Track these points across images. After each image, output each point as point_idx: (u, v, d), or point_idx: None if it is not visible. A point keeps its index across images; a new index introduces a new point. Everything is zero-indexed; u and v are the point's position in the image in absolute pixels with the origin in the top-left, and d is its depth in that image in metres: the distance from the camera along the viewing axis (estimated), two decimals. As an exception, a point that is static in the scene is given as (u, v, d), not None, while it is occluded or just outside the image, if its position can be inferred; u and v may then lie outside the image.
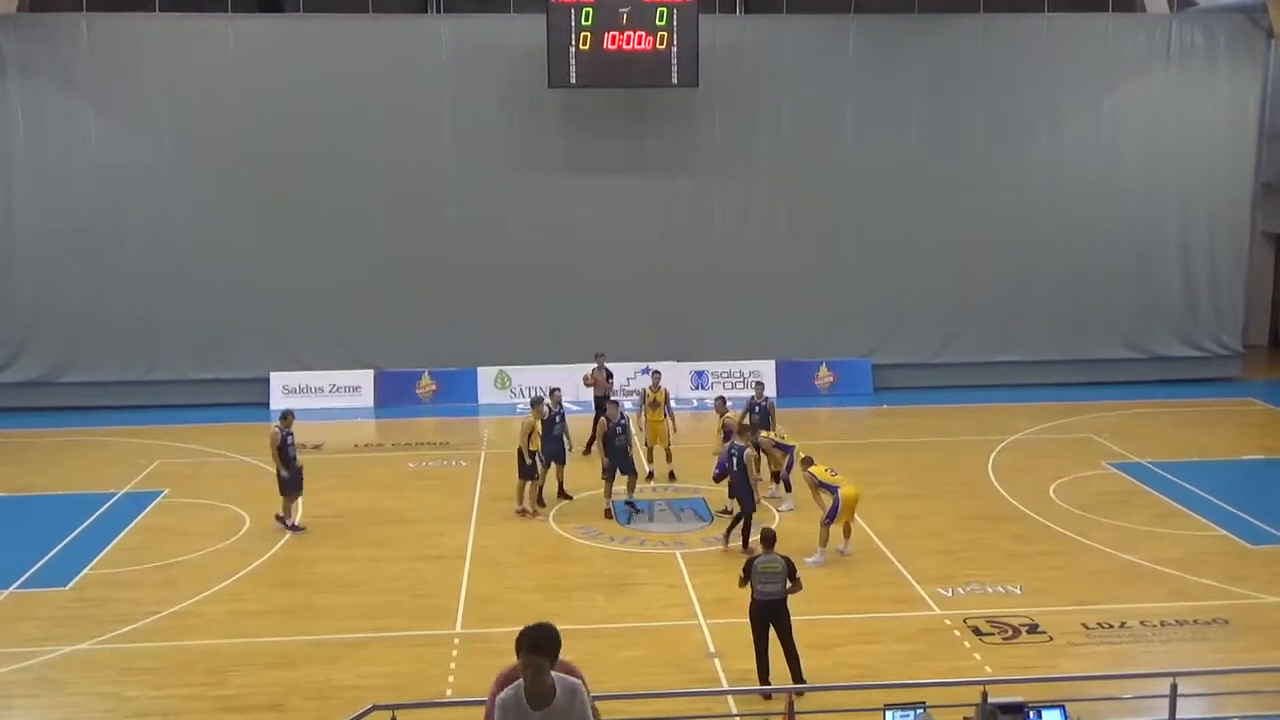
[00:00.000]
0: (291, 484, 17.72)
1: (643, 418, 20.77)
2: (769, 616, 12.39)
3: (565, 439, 18.95)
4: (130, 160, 25.34)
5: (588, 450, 20.56)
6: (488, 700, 7.16)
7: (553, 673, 7.02)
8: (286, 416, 17.96)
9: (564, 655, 6.51)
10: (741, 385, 26.52)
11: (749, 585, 12.48)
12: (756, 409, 19.98)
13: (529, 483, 18.18)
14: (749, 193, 26.75)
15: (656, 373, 21.70)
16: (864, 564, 16.21)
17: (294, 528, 17.66)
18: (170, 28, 25.45)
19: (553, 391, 19.30)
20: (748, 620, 12.39)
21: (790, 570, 12.44)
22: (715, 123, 26.38)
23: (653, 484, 19.91)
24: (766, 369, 26.70)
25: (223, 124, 25.36)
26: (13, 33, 25.00)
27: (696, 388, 26.59)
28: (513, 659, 6.88)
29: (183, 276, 25.60)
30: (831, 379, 26.98)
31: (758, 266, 26.68)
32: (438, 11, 26.95)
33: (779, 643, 12.40)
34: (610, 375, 22.27)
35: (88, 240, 25.35)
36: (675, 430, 20.58)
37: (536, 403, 18.71)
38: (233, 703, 12.38)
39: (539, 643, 6.91)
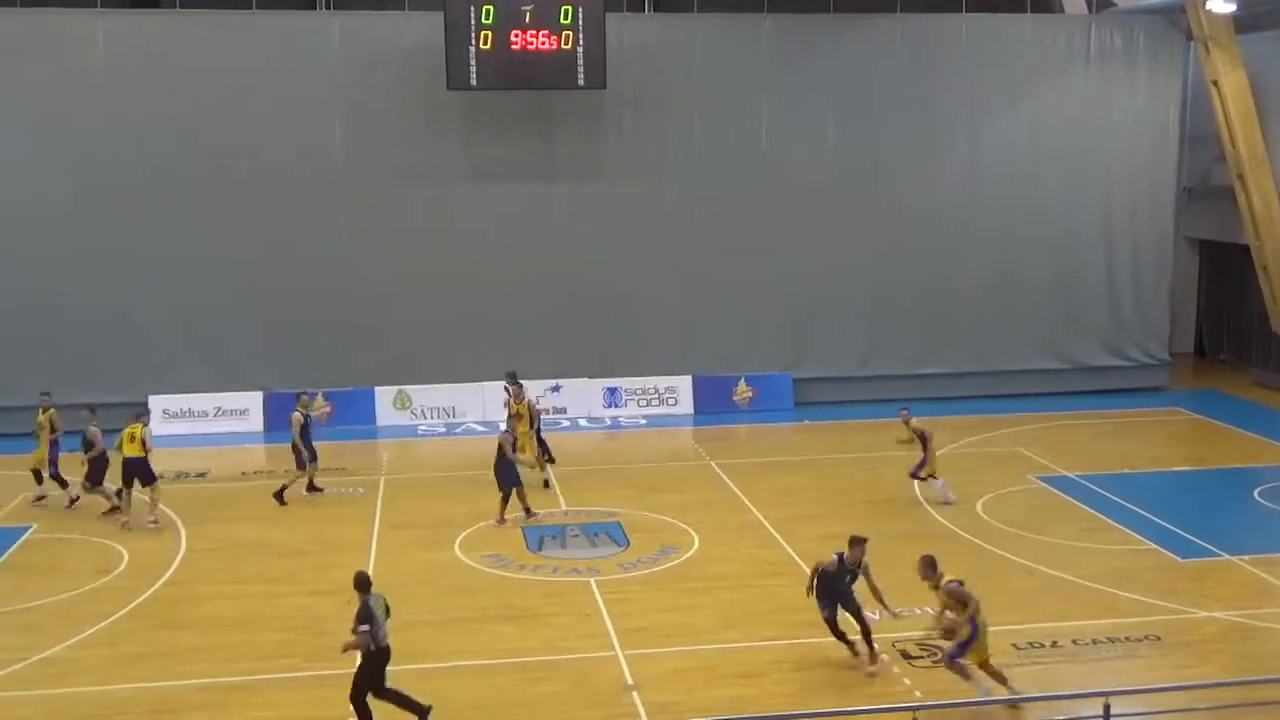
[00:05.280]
0: None
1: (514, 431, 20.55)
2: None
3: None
4: (-10, 167, 24.61)
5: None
6: None
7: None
8: None
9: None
10: (657, 403, 26.62)
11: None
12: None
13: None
14: (661, 199, 26.92)
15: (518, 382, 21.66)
16: (786, 588, 16.26)
17: None
18: (34, 24, 24.81)
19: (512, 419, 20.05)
20: (665, 650, 12.36)
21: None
22: (624, 126, 26.52)
23: (565, 509, 19.89)
24: (683, 384, 26.85)
25: (92, 129, 24.76)
26: None
27: (610, 405, 26.59)
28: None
29: (50, 290, 24.89)
30: (751, 394, 27.19)
31: (672, 277, 26.84)
32: (326, 8, 26.66)
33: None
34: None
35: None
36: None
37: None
38: (110, 755, 12.03)
39: None
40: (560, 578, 16.80)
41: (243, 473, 22.52)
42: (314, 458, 20.39)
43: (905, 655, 14.02)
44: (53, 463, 20.05)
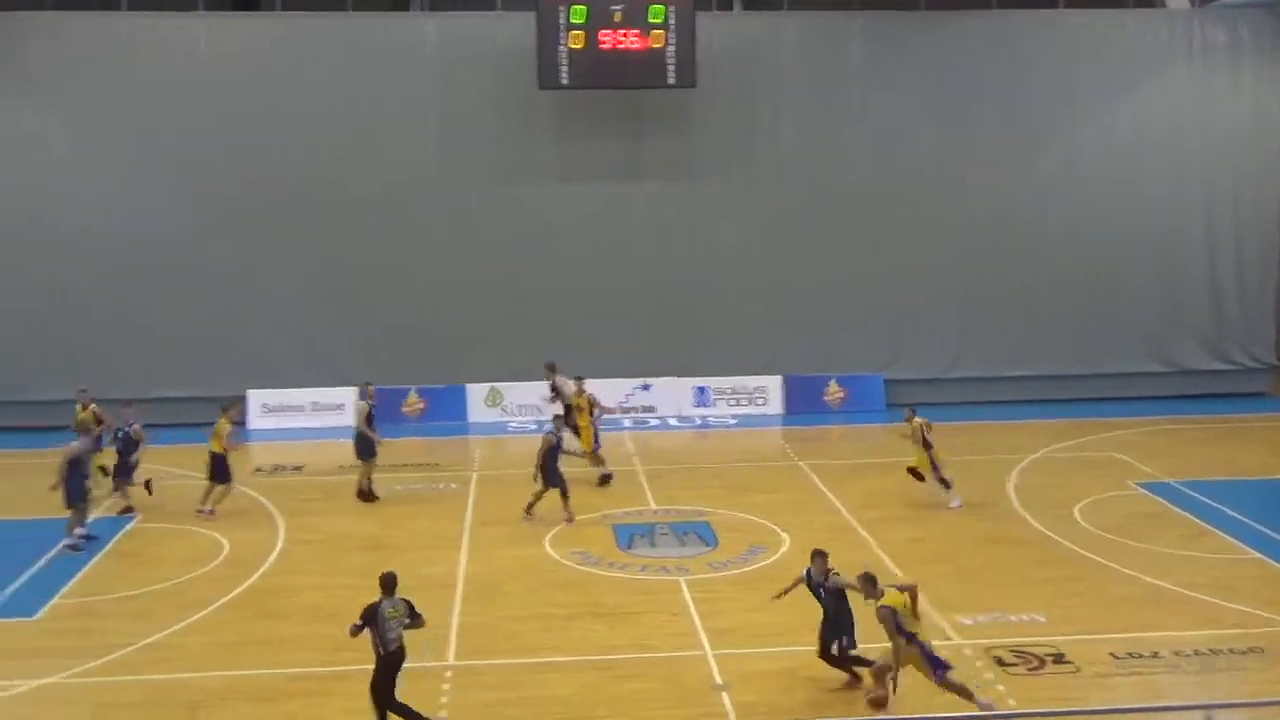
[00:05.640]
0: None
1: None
2: None
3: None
4: (97, 168, 25.44)
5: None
6: None
7: None
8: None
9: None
10: (746, 403, 26.51)
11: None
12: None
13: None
14: (751, 198, 26.84)
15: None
16: (878, 590, 16.17)
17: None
18: (140, 27, 25.59)
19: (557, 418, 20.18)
20: (754, 650, 12.32)
21: None
22: (714, 125, 26.49)
23: (654, 508, 19.95)
24: (773, 384, 26.74)
25: (195, 129, 25.45)
26: (-25, 33, 25.12)
27: (699, 405, 26.59)
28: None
29: (153, 289, 25.66)
30: (842, 395, 26.98)
31: (762, 276, 26.75)
32: (421, 9, 27.04)
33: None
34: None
35: (53, 252, 25.38)
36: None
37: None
38: (211, 740, 12.34)
39: None
40: (649, 576, 16.82)
41: (339, 466, 22.80)
42: (374, 453, 20.42)
43: (1000, 662, 13.81)
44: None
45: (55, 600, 16.08)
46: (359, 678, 13.53)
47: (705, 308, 26.70)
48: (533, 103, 25.71)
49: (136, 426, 19.82)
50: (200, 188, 25.61)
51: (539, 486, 19.03)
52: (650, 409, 26.35)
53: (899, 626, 12.11)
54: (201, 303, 25.79)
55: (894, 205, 26.82)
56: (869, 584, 12.60)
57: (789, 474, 22.16)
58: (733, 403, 26.64)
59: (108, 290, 25.55)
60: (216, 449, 19.58)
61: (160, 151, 25.51)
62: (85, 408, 20.79)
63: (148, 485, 19.87)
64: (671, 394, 26.54)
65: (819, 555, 13.35)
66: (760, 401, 26.48)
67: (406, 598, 12.25)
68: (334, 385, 26.09)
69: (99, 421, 20.55)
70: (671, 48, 25.10)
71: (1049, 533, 18.44)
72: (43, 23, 25.55)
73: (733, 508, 19.73)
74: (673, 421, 26.24)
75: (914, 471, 19.83)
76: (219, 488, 19.64)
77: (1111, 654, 13.95)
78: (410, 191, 26.04)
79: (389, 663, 12.07)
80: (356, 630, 12.01)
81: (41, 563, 17.57)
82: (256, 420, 25.67)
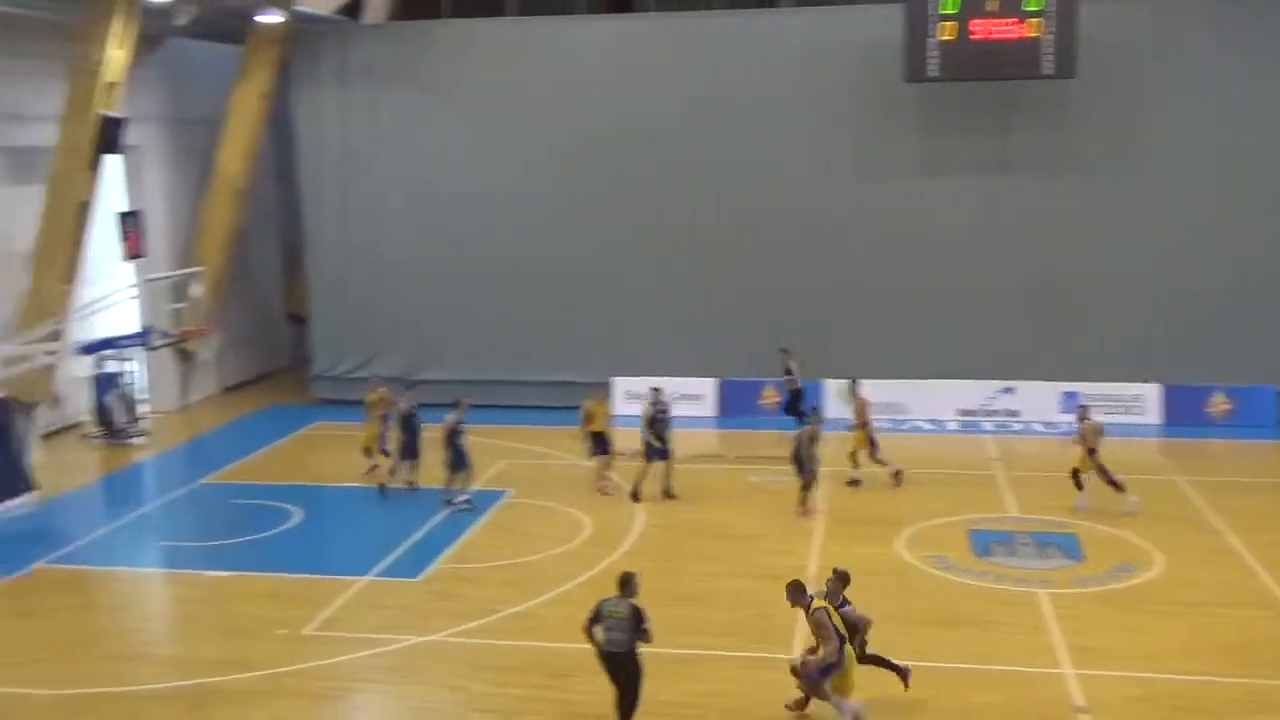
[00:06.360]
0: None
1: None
2: None
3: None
4: (485, 166, 27.25)
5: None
6: None
7: None
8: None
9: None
10: (1120, 411, 24.90)
11: None
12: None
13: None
14: (1130, 195, 25.26)
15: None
16: (1260, 620, 14.90)
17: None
18: (523, 32, 27.28)
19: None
20: (1117, 674, 11.64)
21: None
22: (1092, 118, 25.08)
23: (1016, 515, 19.25)
24: (1150, 392, 25.07)
25: (572, 127, 26.76)
26: (383, 43, 27.63)
27: (1067, 411, 25.26)
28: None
29: (532, 280, 27.26)
30: (1228, 407, 24.92)
31: (1141, 277, 25.15)
32: (788, 5, 27.22)
33: None
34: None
35: (446, 243, 27.55)
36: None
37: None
38: (572, 708, 13.01)
39: None
40: (1006, 586, 16.22)
41: (695, 455, 23.39)
42: (666, 453, 20.51)
43: None
44: (382, 438, 21.98)
45: (436, 564, 17.48)
46: (706, 662, 13.96)
47: (1077, 309, 25.39)
48: (898, 96, 25.30)
49: (403, 405, 21.17)
50: (575, 185, 26.95)
51: (807, 478, 19.35)
52: (1013, 413, 25.33)
53: (835, 628, 12.07)
54: (576, 295, 27.14)
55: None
56: (798, 593, 12.47)
57: (1164, 489, 20.69)
58: (1105, 410, 25.05)
59: (494, 281, 27.37)
60: (596, 429, 20.74)
61: (542, 149, 27.02)
62: (373, 391, 22.45)
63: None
64: (1037, 399, 25.40)
65: (835, 577, 12.86)
66: (1136, 410, 24.84)
67: (638, 604, 11.91)
68: (694, 375, 26.78)
69: (383, 404, 22.02)
70: (1050, 36, 23.99)
71: None
72: (441, 30, 27.75)
73: (1100, 521, 18.70)
74: (1038, 427, 25.12)
75: (1075, 475, 19.31)
76: (603, 461, 20.80)
77: None
78: (774, 186, 26.28)
79: (604, 662, 12.04)
80: (590, 627, 12.04)
81: (427, 529, 19.12)
82: (620, 407, 26.71)
